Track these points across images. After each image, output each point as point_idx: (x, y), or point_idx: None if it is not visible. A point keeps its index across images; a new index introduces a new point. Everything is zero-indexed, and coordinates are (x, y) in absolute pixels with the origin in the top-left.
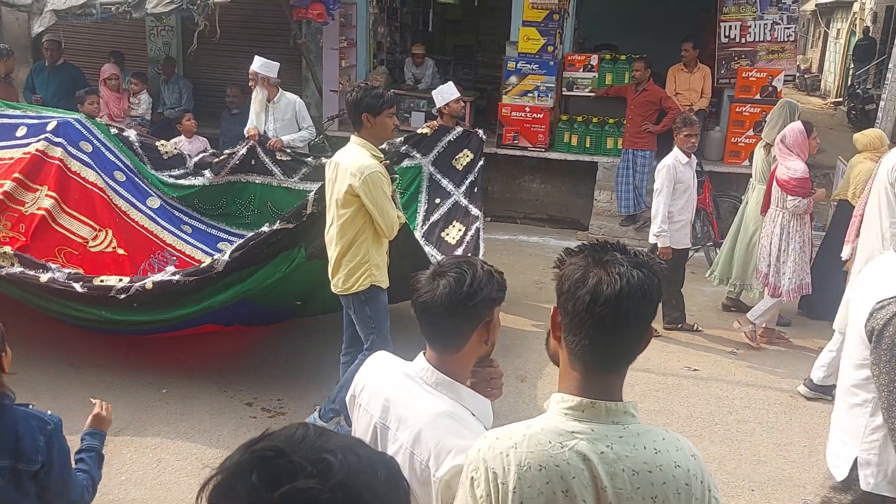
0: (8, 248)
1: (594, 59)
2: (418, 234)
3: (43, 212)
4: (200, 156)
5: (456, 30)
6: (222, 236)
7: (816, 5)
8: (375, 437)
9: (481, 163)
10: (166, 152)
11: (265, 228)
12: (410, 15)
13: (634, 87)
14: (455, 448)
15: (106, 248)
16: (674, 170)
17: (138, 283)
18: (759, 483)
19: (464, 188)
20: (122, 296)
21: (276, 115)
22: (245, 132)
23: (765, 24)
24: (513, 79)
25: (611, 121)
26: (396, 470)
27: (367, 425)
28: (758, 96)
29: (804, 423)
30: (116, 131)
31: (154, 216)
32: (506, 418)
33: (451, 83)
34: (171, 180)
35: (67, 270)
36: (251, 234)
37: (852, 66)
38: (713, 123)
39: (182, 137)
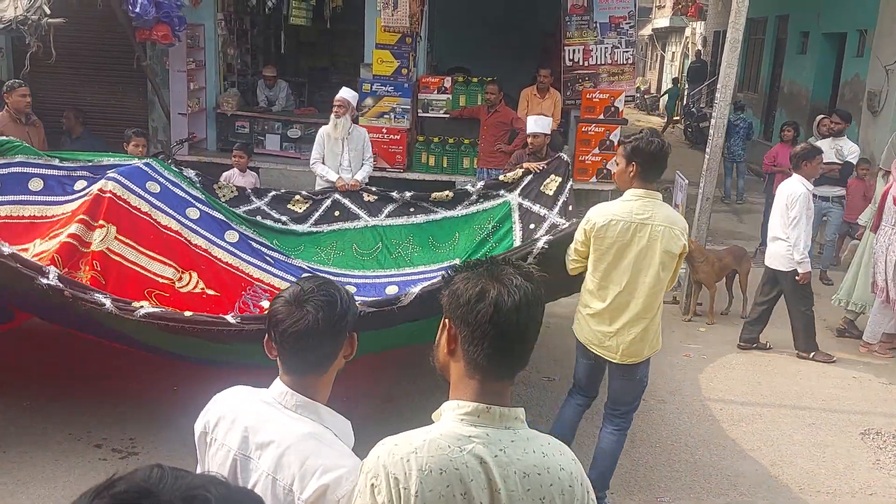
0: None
1: (448, 82)
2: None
3: (117, 256)
4: (272, 194)
5: (310, 52)
6: (305, 268)
7: (653, 30)
8: (235, 469)
9: (570, 183)
10: (223, 195)
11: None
12: (262, 37)
13: (487, 108)
14: (320, 468)
15: (194, 289)
16: (807, 198)
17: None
18: None
19: (557, 209)
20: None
21: (351, 146)
22: (332, 182)
23: (605, 48)
24: (368, 101)
25: (466, 141)
26: (260, 499)
27: (225, 459)
28: (601, 116)
29: None
30: (178, 169)
31: (235, 251)
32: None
33: (549, 119)
34: (247, 217)
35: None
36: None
37: (686, 86)
38: (563, 143)
39: (234, 171)
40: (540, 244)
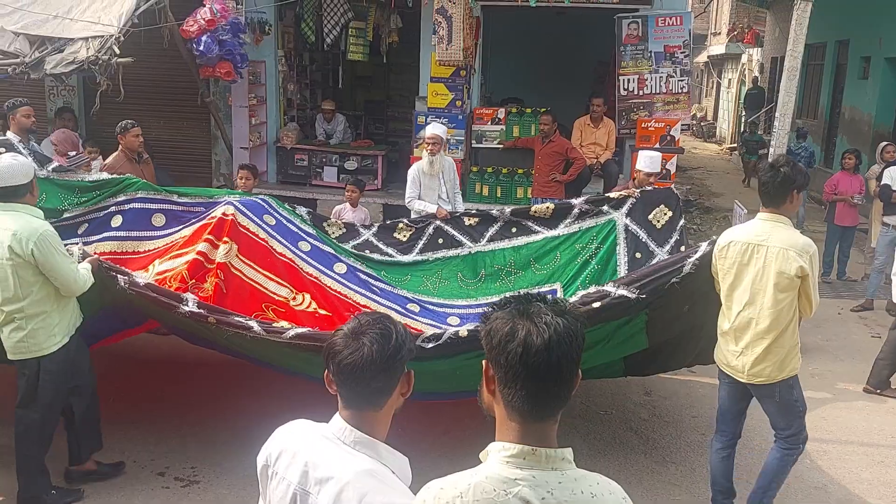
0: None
1: (501, 113)
2: None
3: (237, 272)
4: (378, 225)
5: (366, 85)
6: (409, 297)
7: (708, 57)
8: (295, 503)
9: (682, 221)
10: (332, 232)
11: (610, 289)
12: (320, 72)
13: (541, 138)
14: None
15: (307, 308)
16: None
17: (451, 331)
18: None
19: (668, 247)
20: (431, 345)
21: (445, 178)
22: (432, 211)
23: (660, 76)
24: (423, 132)
25: (520, 171)
26: None
27: (285, 493)
28: (657, 145)
29: None
30: (291, 207)
31: (343, 280)
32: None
33: (654, 156)
34: (355, 251)
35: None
36: (588, 292)
37: (744, 113)
38: (618, 171)
39: (346, 206)
40: (688, 267)
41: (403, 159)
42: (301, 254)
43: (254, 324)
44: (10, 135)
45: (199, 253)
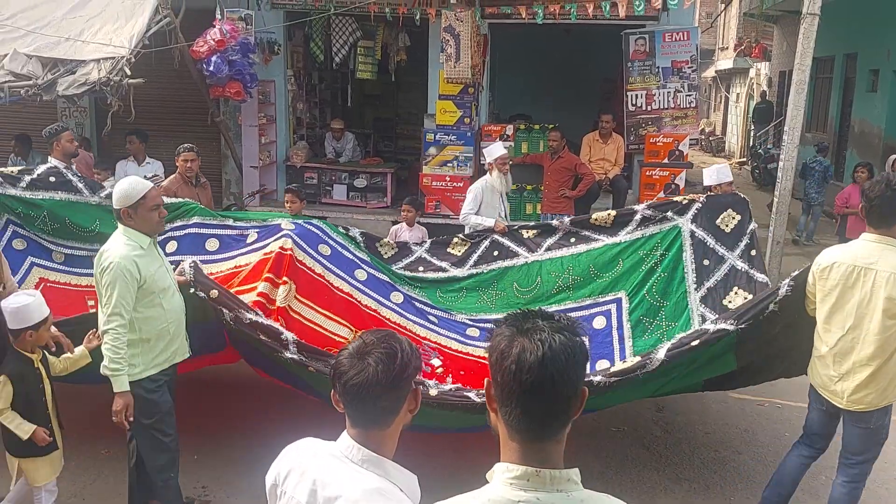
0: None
1: (510, 129)
2: (694, 299)
3: (296, 315)
4: (431, 241)
5: (375, 104)
6: (468, 323)
7: (716, 72)
8: None
9: (753, 225)
10: (384, 253)
11: (708, 326)
12: (329, 91)
13: (550, 154)
14: None
15: None
16: None
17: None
18: None
19: (738, 251)
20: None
21: (504, 196)
22: (489, 225)
23: (668, 92)
24: (432, 150)
25: (529, 187)
26: None
27: None
28: (666, 160)
29: None
30: (344, 230)
31: (401, 311)
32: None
33: (726, 166)
34: (409, 273)
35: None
36: (687, 333)
37: (753, 127)
38: (627, 187)
39: (402, 226)
40: (784, 289)
41: (412, 176)
42: (359, 284)
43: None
44: (54, 161)
45: (259, 294)
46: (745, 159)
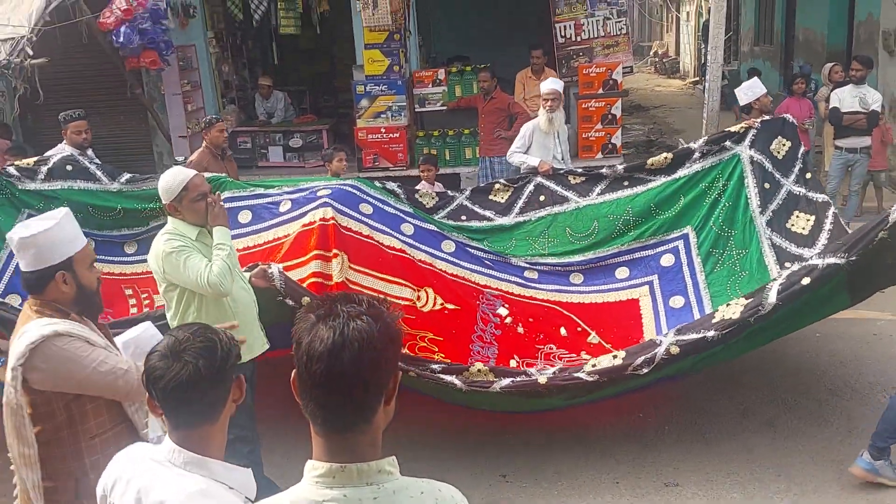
0: (480, 365)
1: (441, 74)
2: (761, 223)
3: (356, 286)
4: (471, 188)
5: (309, 59)
6: (524, 265)
7: None
8: None
9: (803, 148)
10: (426, 202)
11: (816, 262)
12: (258, 50)
13: (483, 96)
14: None
15: (434, 306)
16: None
17: (662, 349)
18: None
19: (793, 177)
20: (646, 369)
21: (561, 138)
22: (536, 167)
23: (597, 20)
24: (364, 102)
25: (466, 131)
26: None
27: None
28: (601, 90)
29: None
30: (381, 184)
31: (456, 260)
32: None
33: (756, 80)
34: (452, 222)
35: (554, 368)
36: (794, 270)
37: (703, 46)
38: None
39: (424, 184)
40: (894, 214)
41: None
42: (408, 239)
43: (458, 381)
44: (69, 148)
45: (314, 274)
46: (697, 78)
